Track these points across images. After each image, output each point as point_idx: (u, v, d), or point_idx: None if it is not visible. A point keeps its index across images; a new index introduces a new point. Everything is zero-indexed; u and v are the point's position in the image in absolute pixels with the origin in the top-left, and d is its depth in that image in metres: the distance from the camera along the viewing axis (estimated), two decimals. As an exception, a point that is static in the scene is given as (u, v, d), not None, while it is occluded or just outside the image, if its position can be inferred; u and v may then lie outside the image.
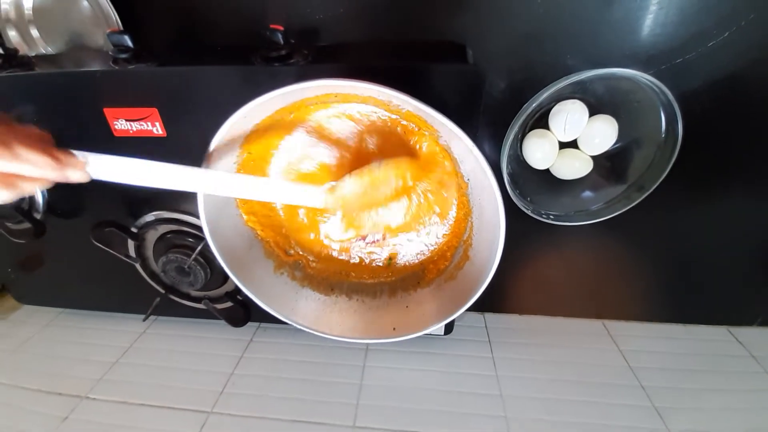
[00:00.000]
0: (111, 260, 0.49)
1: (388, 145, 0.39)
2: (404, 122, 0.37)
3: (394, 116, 0.37)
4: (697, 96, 0.41)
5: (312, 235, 0.45)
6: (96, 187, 0.45)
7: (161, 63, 0.38)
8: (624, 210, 0.45)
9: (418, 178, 0.38)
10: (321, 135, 0.39)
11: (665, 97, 0.38)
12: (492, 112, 0.44)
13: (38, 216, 0.47)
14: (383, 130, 0.38)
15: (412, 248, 0.44)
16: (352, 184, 0.36)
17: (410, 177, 0.36)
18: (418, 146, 0.38)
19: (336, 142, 0.39)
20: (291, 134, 0.39)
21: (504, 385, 0.48)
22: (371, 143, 0.39)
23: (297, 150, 0.40)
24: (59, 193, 0.47)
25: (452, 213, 0.41)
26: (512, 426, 0.43)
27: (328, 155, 0.40)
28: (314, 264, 0.46)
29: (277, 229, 0.44)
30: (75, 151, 0.29)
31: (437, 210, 0.41)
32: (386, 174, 0.35)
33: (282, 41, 0.36)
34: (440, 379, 0.49)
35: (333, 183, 0.37)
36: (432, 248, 0.43)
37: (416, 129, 0.37)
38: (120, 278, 0.52)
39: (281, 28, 0.36)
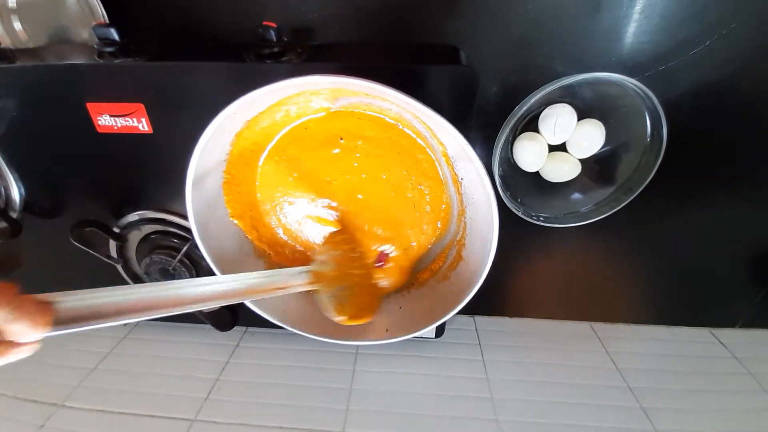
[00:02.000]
0: (91, 262, 0.47)
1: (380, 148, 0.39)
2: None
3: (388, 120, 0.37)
4: (681, 102, 0.42)
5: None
6: (76, 184, 0.45)
7: (149, 58, 0.37)
8: (612, 212, 0.46)
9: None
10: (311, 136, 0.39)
11: (651, 102, 0.39)
12: (483, 115, 0.44)
13: (15, 215, 0.45)
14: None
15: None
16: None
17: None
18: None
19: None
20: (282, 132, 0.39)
21: (494, 387, 0.48)
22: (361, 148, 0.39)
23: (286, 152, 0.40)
24: (37, 190, 0.45)
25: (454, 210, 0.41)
26: (503, 428, 0.43)
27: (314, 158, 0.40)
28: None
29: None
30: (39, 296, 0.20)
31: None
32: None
33: (275, 38, 0.35)
34: (431, 382, 0.48)
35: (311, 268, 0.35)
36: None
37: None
38: (100, 281, 0.50)
39: (274, 25, 0.35)
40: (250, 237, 0.42)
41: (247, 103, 0.31)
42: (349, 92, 0.34)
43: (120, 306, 0.23)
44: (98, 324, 0.21)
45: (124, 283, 0.50)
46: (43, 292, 0.57)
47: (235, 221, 0.41)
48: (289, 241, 0.44)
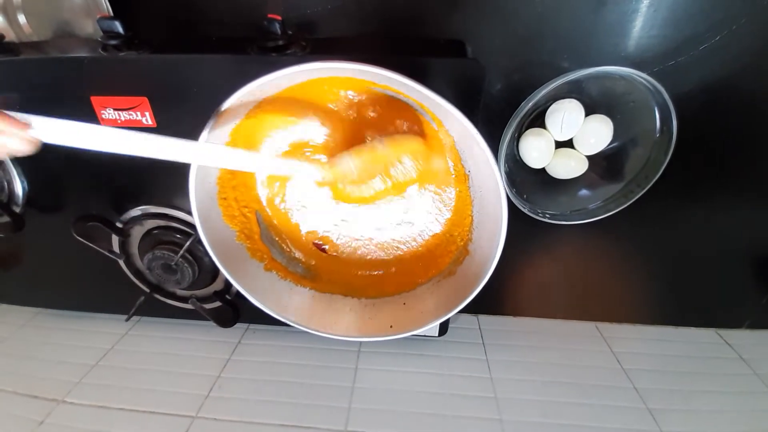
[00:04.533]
0: (93, 257, 0.47)
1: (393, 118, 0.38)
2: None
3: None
4: (688, 98, 0.42)
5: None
6: (79, 179, 0.44)
7: (153, 51, 0.37)
8: (619, 209, 0.45)
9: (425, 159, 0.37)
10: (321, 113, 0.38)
11: (660, 97, 0.39)
12: (489, 111, 0.44)
13: (17, 209, 0.45)
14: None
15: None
16: (351, 161, 0.34)
17: (414, 159, 0.36)
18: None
19: (334, 114, 0.38)
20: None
21: (498, 387, 0.47)
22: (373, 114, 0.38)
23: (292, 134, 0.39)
24: (40, 185, 0.45)
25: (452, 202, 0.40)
26: (507, 428, 0.42)
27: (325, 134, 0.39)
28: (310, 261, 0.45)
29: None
30: (14, 113, 0.25)
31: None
32: (388, 153, 0.35)
33: (279, 31, 0.35)
34: (434, 381, 0.48)
35: (330, 158, 0.35)
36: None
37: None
38: (102, 276, 0.50)
39: (279, 18, 0.35)
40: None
41: (252, 90, 0.30)
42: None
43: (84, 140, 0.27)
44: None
45: (126, 280, 0.50)
46: (44, 287, 0.56)
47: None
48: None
